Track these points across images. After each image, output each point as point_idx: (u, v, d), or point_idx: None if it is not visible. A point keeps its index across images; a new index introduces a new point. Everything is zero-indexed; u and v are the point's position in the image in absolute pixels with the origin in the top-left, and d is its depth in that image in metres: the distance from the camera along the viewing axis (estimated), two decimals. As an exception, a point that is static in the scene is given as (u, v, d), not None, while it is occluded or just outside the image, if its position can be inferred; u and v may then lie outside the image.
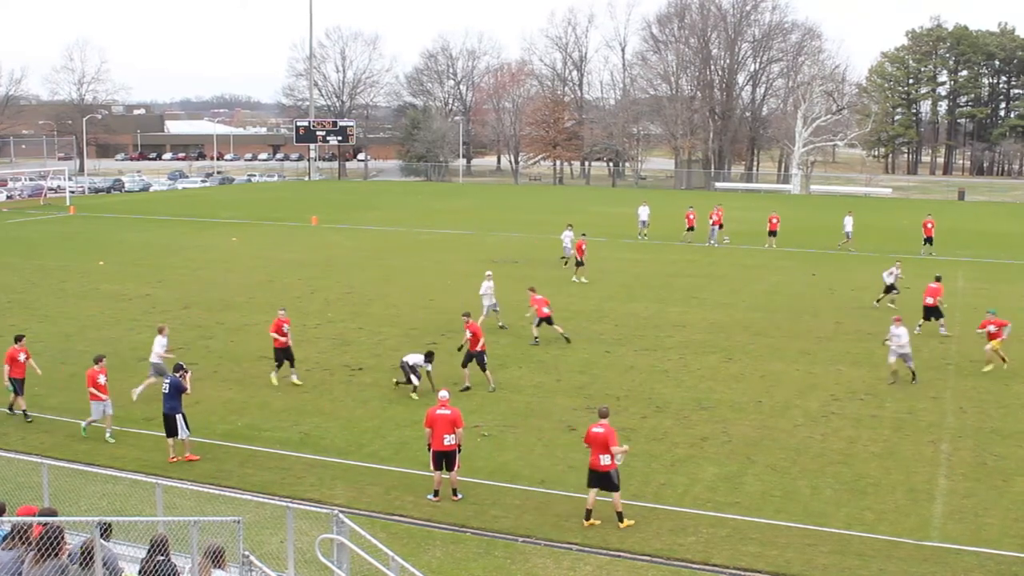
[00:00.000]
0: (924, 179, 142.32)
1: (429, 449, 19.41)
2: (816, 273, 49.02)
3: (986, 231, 70.64)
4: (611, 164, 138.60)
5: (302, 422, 24.40)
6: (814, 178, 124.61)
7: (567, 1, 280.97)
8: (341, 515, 13.46)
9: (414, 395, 26.21)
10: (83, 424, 23.28)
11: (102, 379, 22.96)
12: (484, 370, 27.32)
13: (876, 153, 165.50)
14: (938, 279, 36.32)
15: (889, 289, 39.80)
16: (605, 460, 18.25)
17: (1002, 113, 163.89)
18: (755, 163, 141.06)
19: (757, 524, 18.53)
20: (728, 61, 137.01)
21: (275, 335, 27.66)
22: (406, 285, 44.39)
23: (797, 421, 24.77)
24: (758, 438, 23.49)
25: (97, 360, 23.30)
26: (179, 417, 21.49)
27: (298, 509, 13.98)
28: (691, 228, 61.46)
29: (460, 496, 19.44)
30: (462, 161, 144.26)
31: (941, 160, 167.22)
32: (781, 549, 17.49)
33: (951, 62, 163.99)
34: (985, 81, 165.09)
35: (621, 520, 18.30)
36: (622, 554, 17.27)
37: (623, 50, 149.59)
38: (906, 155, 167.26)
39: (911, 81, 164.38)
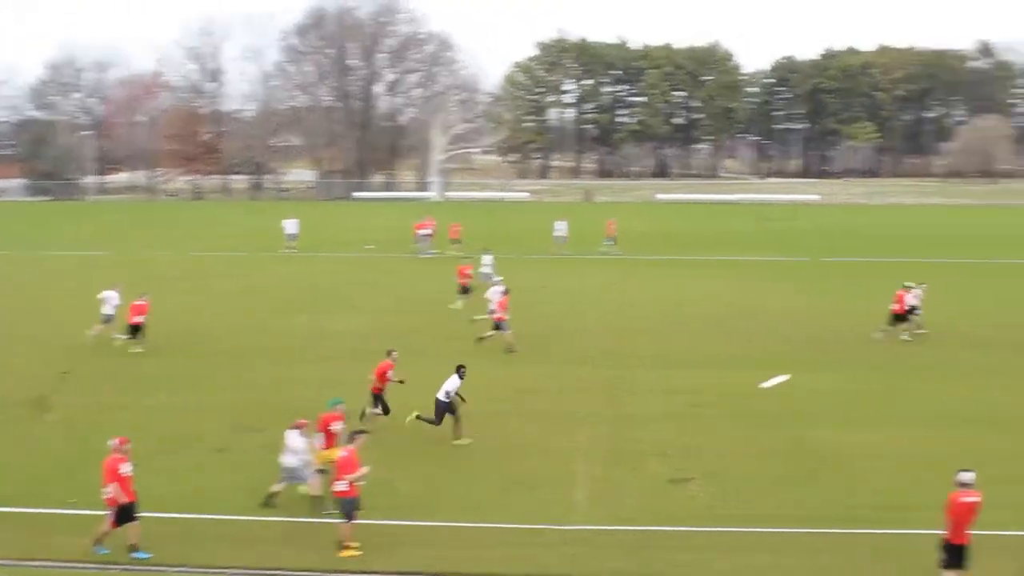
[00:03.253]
0: (556, 183, 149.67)
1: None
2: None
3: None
4: (252, 177, 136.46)
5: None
6: (453, 185, 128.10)
7: (202, 11, 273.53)
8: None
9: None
10: None
11: None
12: None
13: (511, 159, 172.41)
14: (906, 286, 36.32)
15: (912, 310, 36.12)
16: (338, 486, 17.75)
17: (622, 119, 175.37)
18: (396, 172, 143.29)
19: (415, 527, 18.81)
20: (366, 71, 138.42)
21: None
22: (34, 313, 41.77)
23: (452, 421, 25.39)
24: (409, 442, 23.89)
25: None
26: None
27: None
28: (456, 240, 61.23)
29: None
30: (94, 178, 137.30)
31: (571, 165, 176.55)
32: (441, 549, 17.88)
33: (576, 72, 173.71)
34: (606, 89, 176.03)
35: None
36: (310, 573, 17.09)
37: (261, 61, 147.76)
38: (538, 160, 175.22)
39: (540, 90, 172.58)
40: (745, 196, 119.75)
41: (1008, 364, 32.10)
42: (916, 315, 36.08)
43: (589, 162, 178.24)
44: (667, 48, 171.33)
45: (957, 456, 20.67)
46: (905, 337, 35.20)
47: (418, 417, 24.05)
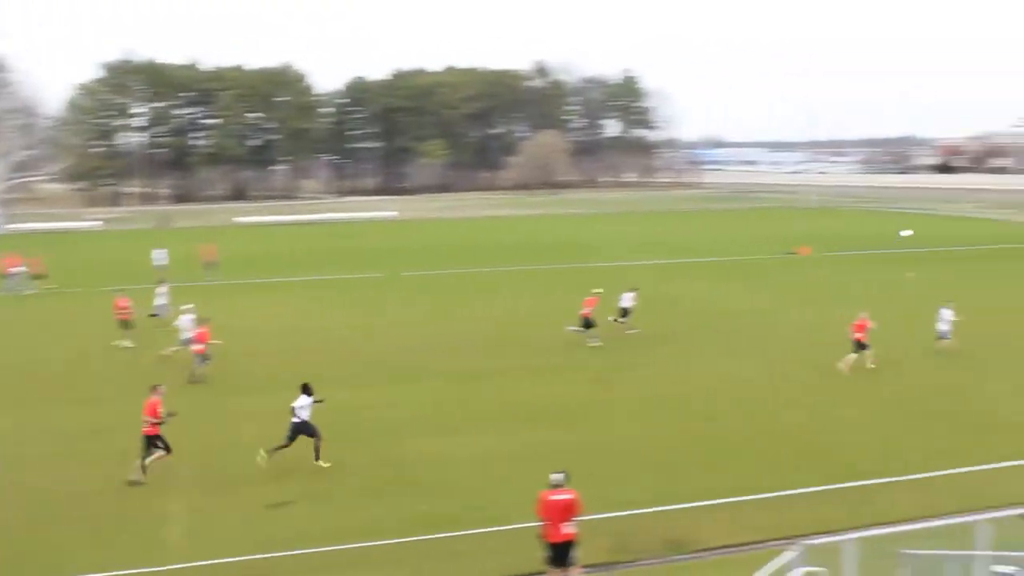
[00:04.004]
0: (130, 210, 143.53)
1: None
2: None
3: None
4: None
5: None
6: (16, 216, 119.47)
7: None
8: None
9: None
10: None
11: None
12: None
13: (79, 187, 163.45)
14: (595, 293, 38.60)
15: (624, 313, 40.10)
16: None
17: (197, 142, 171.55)
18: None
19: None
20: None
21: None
22: None
23: (88, 465, 24.03)
24: (59, 494, 22.22)
25: None
26: None
27: None
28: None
29: None
30: None
31: (145, 190, 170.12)
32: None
33: (145, 94, 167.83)
34: (178, 112, 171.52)
35: None
36: None
37: None
38: (109, 187, 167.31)
39: (108, 113, 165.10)
40: (324, 216, 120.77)
41: (584, 362, 34.94)
42: (627, 318, 39.98)
43: (163, 187, 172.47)
44: (239, 70, 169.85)
45: (537, 453, 22.27)
46: (596, 343, 37.35)
47: (270, 452, 23.52)
